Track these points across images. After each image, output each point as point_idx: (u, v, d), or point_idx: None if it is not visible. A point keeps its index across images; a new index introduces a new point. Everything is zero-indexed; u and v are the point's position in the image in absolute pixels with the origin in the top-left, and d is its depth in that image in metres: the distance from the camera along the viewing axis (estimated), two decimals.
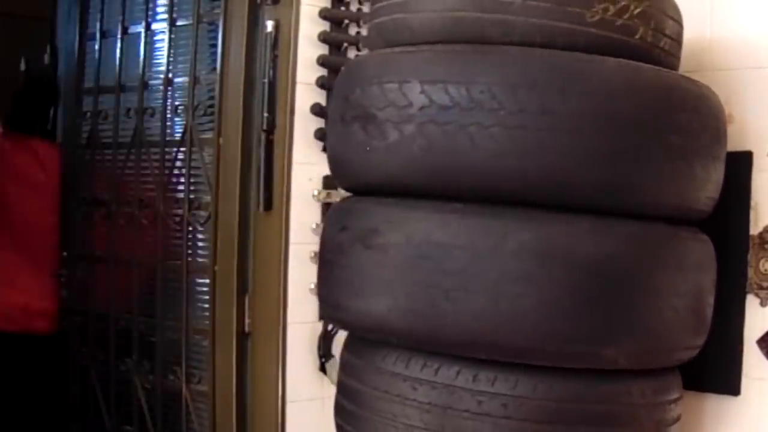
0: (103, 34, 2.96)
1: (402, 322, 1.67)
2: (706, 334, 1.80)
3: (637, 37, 1.69)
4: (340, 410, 1.87)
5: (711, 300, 1.80)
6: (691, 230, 1.78)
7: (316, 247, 2.43)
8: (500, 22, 1.65)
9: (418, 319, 1.64)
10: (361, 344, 1.84)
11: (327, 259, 1.84)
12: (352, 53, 2.51)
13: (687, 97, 1.69)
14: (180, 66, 2.68)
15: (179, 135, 2.66)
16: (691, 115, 1.69)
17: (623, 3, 1.66)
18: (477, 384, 1.65)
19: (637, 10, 1.67)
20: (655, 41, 1.72)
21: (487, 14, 1.66)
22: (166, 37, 2.71)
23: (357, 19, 2.51)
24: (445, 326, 1.62)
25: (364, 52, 2.47)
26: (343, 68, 1.90)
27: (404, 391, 1.70)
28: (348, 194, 1.91)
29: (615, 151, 1.61)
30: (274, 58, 2.38)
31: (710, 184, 1.76)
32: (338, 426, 1.88)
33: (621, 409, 1.69)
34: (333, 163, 1.87)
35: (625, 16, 1.66)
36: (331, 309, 1.84)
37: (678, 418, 1.81)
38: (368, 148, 1.70)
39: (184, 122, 2.64)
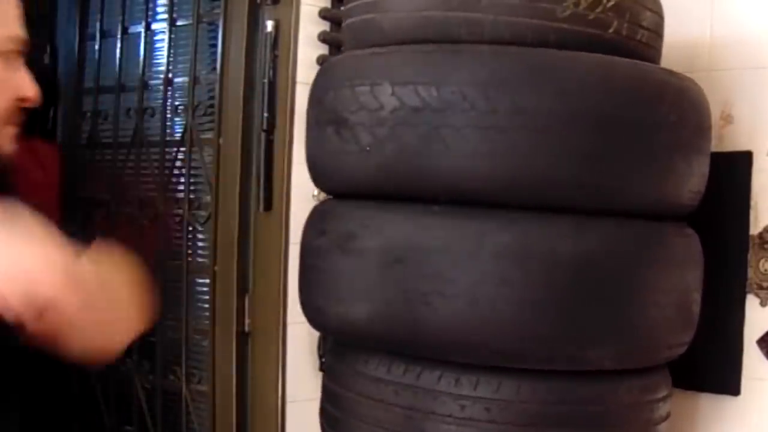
0: (103, 34, 2.95)
1: (382, 327, 1.65)
2: (694, 330, 1.78)
3: (611, 30, 1.65)
4: (324, 415, 1.87)
5: (698, 296, 1.78)
6: (676, 225, 1.76)
7: None
8: (469, 20, 1.62)
9: (397, 324, 1.63)
10: (344, 349, 1.84)
11: (307, 264, 1.83)
12: None
13: (666, 90, 1.66)
14: (180, 66, 2.68)
15: (179, 135, 2.66)
16: (671, 108, 1.65)
17: None
18: (459, 388, 1.63)
19: (611, 3, 1.63)
20: (632, 34, 1.68)
21: (456, 13, 1.63)
22: (166, 37, 2.70)
23: None
24: (425, 330, 1.61)
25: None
26: (318, 71, 1.89)
27: (387, 396, 1.69)
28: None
29: (591, 148, 1.59)
30: (274, 58, 2.38)
31: (694, 178, 1.73)
32: (323, 430, 1.88)
33: (607, 409, 1.68)
34: (311, 166, 1.86)
35: (598, 10, 1.63)
36: (312, 314, 1.83)
37: (667, 416, 1.80)
38: (342, 152, 1.68)
39: (184, 122, 2.64)
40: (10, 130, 1.05)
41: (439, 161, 1.59)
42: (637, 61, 1.67)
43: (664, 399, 1.78)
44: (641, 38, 1.71)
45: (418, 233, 1.62)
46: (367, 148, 1.68)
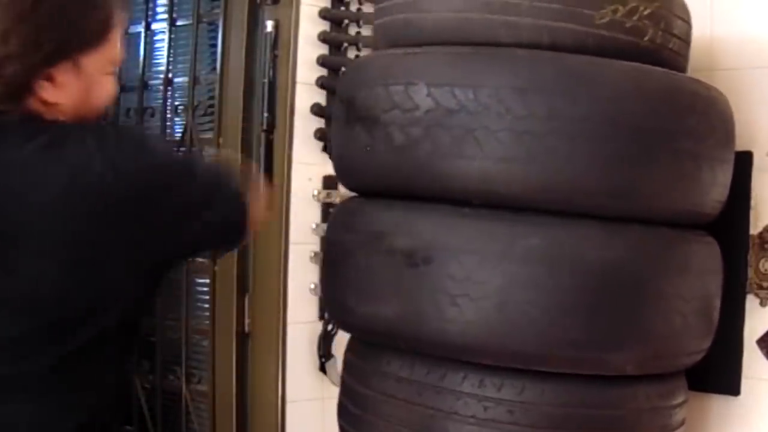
0: None
1: (408, 327, 1.66)
2: (712, 337, 1.79)
3: (646, 38, 1.66)
4: (343, 413, 1.87)
5: (718, 303, 1.79)
6: (698, 234, 1.77)
7: (316, 247, 2.44)
8: (507, 23, 1.63)
9: (424, 325, 1.63)
10: (366, 347, 1.83)
11: (332, 261, 1.83)
12: (352, 53, 2.51)
13: (695, 101, 1.68)
14: (180, 66, 2.68)
15: (179, 135, 2.66)
16: (700, 118, 1.67)
17: (633, 4, 1.63)
18: (483, 390, 1.63)
19: (647, 11, 1.65)
20: (665, 42, 1.70)
21: (494, 15, 1.64)
22: (166, 37, 2.70)
23: (357, 19, 2.51)
24: (451, 331, 1.61)
25: (364, 52, 2.47)
26: (346, 69, 1.89)
27: (410, 396, 1.69)
28: (352, 193, 1.90)
29: (623, 155, 1.60)
30: (274, 58, 2.38)
31: (717, 188, 1.75)
32: (342, 428, 1.87)
33: (626, 414, 1.69)
34: (338, 164, 1.86)
35: (635, 18, 1.64)
36: (336, 311, 1.83)
37: (682, 422, 1.80)
38: (369, 150, 1.69)
39: (184, 122, 2.64)
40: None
41: (473, 163, 1.59)
42: (670, 71, 1.69)
43: (680, 405, 1.79)
44: (672, 47, 1.73)
45: (448, 234, 1.62)
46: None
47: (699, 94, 1.69)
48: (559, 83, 1.58)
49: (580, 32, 1.62)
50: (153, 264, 1.39)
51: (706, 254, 1.76)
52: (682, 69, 1.80)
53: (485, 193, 1.61)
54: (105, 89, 1.41)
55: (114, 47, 1.39)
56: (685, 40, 1.79)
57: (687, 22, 1.79)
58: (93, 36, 1.35)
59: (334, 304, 1.83)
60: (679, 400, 1.78)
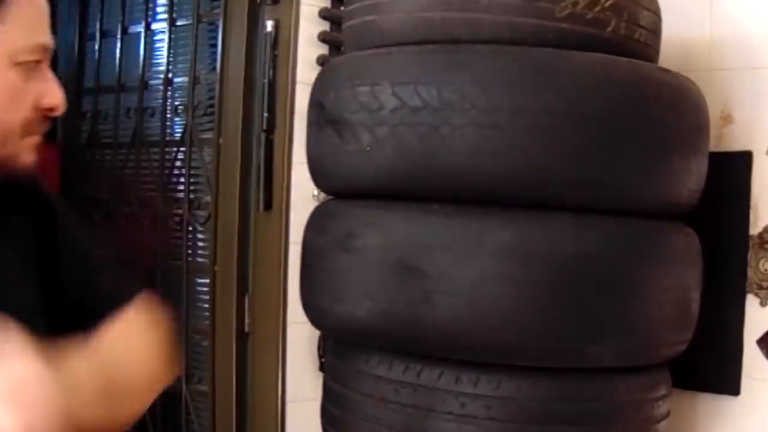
0: (103, 34, 2.96)
1: (383, 326, 1.65)
2: (693, 329, 1.78)
3: (609, 29, 1.65)
4: (325, 414, 1.87)
5: (697, 295, 1.78)
6: (675, 224, 1.76)
7: None
8: (468, 20, 1.63)
9: (398, 322, 1.63)
10: (344, 348, 1.84)
11: (308, 263, 1.83)
12: None
13: (663, 90, 1.67)
14: (180, 66, 2.68)
15: (179, 135, 2.67)
16: (668, 107, 1.66)
17: None
18: (460, 386, 1.63)
19: (609, 2, 1.64)
20: (629, 33, 1.69)
21: (455, 13, 1.64)
22: (166, 37, 2.71)
23: None
24: (426, 328, 1.61)
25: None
26: (318, 73, 1.90)
27: (387, 394, 1.69)
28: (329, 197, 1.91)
29: (591, 147, 1.59)
30: (274, 58, 2.38)
31: (692, 177, 1.73)
32: (324, 430, 1.88)
33: (607, 407, 1.68)
34: (311, 166, 1.86)
35: (596, 9, 1.63)
36: (313, 313, 1.84)
37: (667, 415, 1.80)
38: (342, 152, 1.69)
39: (184, 122, 2.64)
40: (33, 140, 1.00)
41: (440, 160, 1.59)
42: (635, 61, 1.68)
43: (663, 397, 1.78)
44: (639, 37, 1.72)
45: (419, 232, 1.63)
46: (367, 148, 1.68)
47: (667, 84, 1.68)
48: (521, 77, 1.58)
49: (540, 26, 1.62)
50: None
51: (684, 245, 1.75)
52: (652, 60, 1.78)
53: (454, 189, 1.61)
54: (7, 91, 0.95)
55: (17, 28, 0.96)
56: (654, 31, 1.77)
57: (655, 12, 1.78)
58: None
59: (310, 306, 1.83)
60: (662, 392, 1.77)
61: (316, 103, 1.79)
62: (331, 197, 1.89)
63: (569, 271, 1.59)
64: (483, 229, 1.59)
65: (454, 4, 1.64)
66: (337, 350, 1.88)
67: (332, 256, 1.72)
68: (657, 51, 1.81)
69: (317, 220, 1.83)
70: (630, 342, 1.68)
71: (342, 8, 2.48)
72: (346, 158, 1.69)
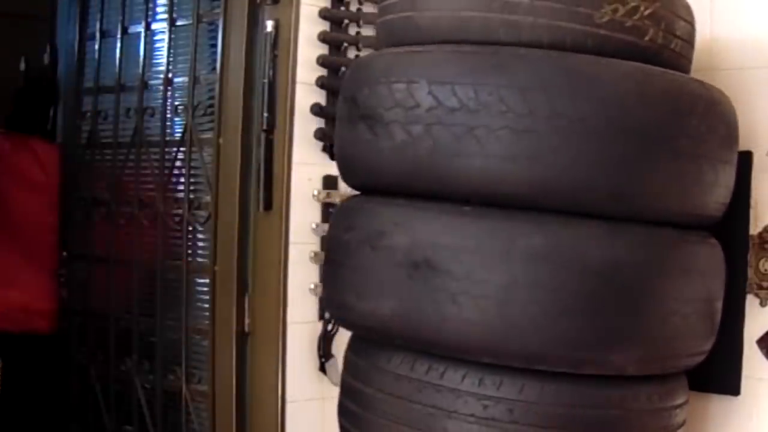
0: (103, 34, 2.96)
1: (408, 325, 1.66)
2: (714, 338, 1.79)
3: (647, 38, 1.67)
4: (344, 411, 1.87)
5: (720, 305, 1.79)
6: (701, 235, 1.77)
7: (316, 247, 2.44)
8: (508, 22, 1.63)
9: (424, 322, 1.63)
10: (366, 345, 1.83)
11: (332, 259, 1.83)
12: (351, 53, 2.50)
13: (697, 101, 1.68)
14: (180, 66, 2.68)
15: (179, 135, 2.66)
16: (701, 119, 1.67)
17: (633, 4, 1.64)
18: (483, 388, 1.64)
19: (648, 11, 1.65)
20: (666, 43, 1.70)
21: (495, 14, 1.64)
22: (166, 37, 2.70)
23: (357, 19, 2.51)
24: (451, 330, 1.61)
25: (364, 52, 2.47)
26: (350, 67, 1.89)
27: (409, 394, 1.69)
28: (353, 193, 1.90)
29: (624, 155, 1.60)
30: (274, 58, 2.38)
31: (720, 189, 1.75)
32: (342, 427, 1.87)
33: (628, 414, 1.69)
34: (341, 162, 1.86)
35: (635, 17, 1.64)
36: (336, 309, 1.84)
37: (683, 423, 1.81)
38: (374, 149, 1.69)
39: (184, 122, 2.64)
40: None
41: (473, 161, 1.59)
42: (671, 71, 1.69)
43: (681, 406, 1.79)
44: (675, 47, 1.73)
45: (449, 233, 1.63)
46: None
47: (700, 95, 1.69)
48: (559, 82, 1.58)
49: (579, 31, 1.63)
50: None
51: (709, 255, 1.76)
52: (685, 70, 1.80)
53: (485, 192, 1.61)
54: None
55: None
56: (688, 41, 1.79)
57: (690, 23, 1.79)
58: None
59: (334, 302, 1.83)
60: (680, 401, 1.78)
61: (349, 98, 1.78)
62: (358, 193, 1.88)
63: (597, 279, 1.60)
64: (513, 232, 1.60)
65: (494, 5, 1.64)
66: (359, 347, 1.87)
67: (359, 253, 1.72)
68: (690, 61, 1.83)
69: (344, 216, 1.83)
70: (653, 351, 1.68)
71: (342, 8, 2.49)
72: (378, 155, 1.69)
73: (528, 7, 1.62)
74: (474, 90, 1.58)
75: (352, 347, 1.91)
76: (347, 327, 1.93)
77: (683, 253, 1.71)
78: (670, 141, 1.63)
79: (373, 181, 1.77)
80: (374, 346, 1.79)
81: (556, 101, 1.57)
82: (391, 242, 1.66)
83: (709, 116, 1.69)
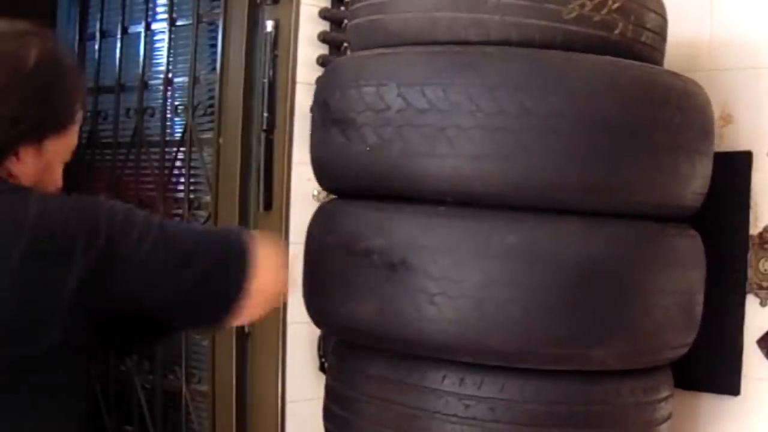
0: (103, 34, 2.96)
1: (388, 327, 1.65)
2: (696, 331, 1.79)
3: (616, 32, 1.66)
4: (328, 415, 1.86)
5: (701, 297, 1.78)
6: (680, 227, 1.76)
7: None
8: (476, 21, 1.62)
9: (403, 324, 1.63)
10: (348, 349, 1.83)
11: (311, 263, 1.82)
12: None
13: (670, 93, 1.66)
14: (180, 66, 2.68)
15: (179, 135, 2.67)
16: (675, 110, 1.65)
17: None
18: (464, 388, 1.63)
19: (616, 5, 1.64)
20: (636, 36, 1.69)
21: (463, 14, 1.63)
22: (166, 37, 2.71)
23: None
24: (430, 330, 1.60)
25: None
26: (323, 71, 1.89)
27: (391, 396, 1.68)
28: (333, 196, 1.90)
29: (598, 150, 1.59)
30: (274, 58, 2.38)
31: (697, 180, 1.74)
32: (327, 430, 1.87)
33: (610, 409, 1.68)
34: (316, 166, 1.86)
35: (603, 12, 1.63)
36: (316, 314, 1.83)
37: (669, 417, 1.80)
38: (348, 152, 1.68)
39: (184, 122, 2.64)
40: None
41: (445, 162, 1.59)
42: (643, 64, 1.68)
43: (666, 399, 1.78)
44: (645, 40, 1.72)
45: (424, 233, 1.62)
46: (367, 149, 1.68)
47: (673, 87, 1.68)
48: (529, 79, 1.58)
49: (548, 28, 1.61)
50: (95, 309, 1.23)
51: (688, 247, 1.75)
52: (658, 62, 1.78)
53: (459, 191, 1.61)
54: (56, 177, 1.33)
55: (75, 135, 1.33)
56: (660, 33, 1.78)
57: (661, 15, 1.78)
58: (65, 120, 1.29)
59: (313, 306, 1.83)
60: (664, 394, 1.77)
61: (321, 103, 1.78)
62: (335, 197, 1.88)
63: (575, 275, 1.59)
64: (488, 231, 1.59)
65: (462, 5, 1.63)
66: (340, 351, 1.87)
67: (336, 257, 1.72)
68: (662, 53, 1.82)
69: (321, 220, 1.83)
70: (635, 345, 1.68)
71: (342, 8, 2.49)
72: (352, 158, 1.69)
73: (495, 5, 1.61)
74: (443, 90, 1.57)
75: (334, 351, 1.91)
76: (328, 331, 1.93)
77: (662, 245, 1.70)
78: (645, 133, 1.62)
79: (349, 185, 1.77)
80: (356, 349, 1.79)
81: (526, 98, 1.55)
82: (367, 245, 1.65)
83: (683, 107, 1.67)
